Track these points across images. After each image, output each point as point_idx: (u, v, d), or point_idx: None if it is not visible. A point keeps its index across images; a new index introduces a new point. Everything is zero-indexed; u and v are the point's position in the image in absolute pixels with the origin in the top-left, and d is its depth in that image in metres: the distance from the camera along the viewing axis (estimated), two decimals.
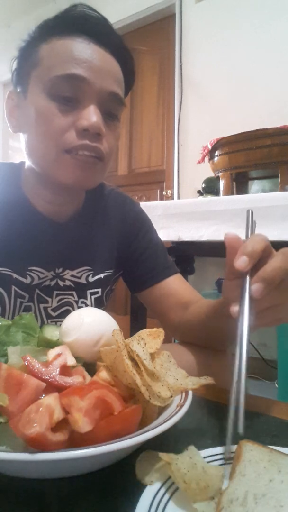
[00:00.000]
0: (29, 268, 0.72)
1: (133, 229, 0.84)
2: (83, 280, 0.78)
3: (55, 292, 0.76)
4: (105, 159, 0.66)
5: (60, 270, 0.75)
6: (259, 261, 0.43)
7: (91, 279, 0.78)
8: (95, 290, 0.80)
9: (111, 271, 0.82)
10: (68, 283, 0.76)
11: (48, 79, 0.62)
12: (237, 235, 0.46)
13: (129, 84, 0.71)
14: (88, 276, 0.78)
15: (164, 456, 0.32)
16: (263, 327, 0.58)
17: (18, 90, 0.68)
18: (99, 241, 0.80)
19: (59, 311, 0.76)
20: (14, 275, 0.71)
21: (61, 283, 0.76)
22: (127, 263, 0.84)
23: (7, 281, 0.71)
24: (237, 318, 0.42)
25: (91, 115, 0.61)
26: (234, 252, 0.44)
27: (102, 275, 0.80)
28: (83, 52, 0.62)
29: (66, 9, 0.65)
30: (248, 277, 0.43)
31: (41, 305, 0.75)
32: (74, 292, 0.77)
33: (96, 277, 0.79)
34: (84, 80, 0.61)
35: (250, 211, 0.53)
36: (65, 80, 0.61)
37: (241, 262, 0.42)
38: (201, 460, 0.33)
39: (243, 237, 0.48)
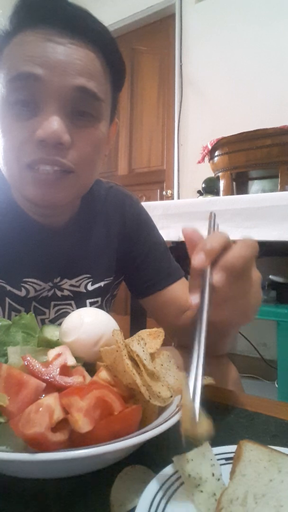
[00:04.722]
0: (24, 279, 0.68)
1: (134, 232, 0.79)
2: (82, 289, 0.74)
3: (52, 303, 0.72)
4: (76, 170, 0.58)
5: (58, 279, 0.71)
6: (219, 257, 0.43)
7: (90, 288, 0.74)
8: (95, 299, 0.76)
9: (111, 278, 0.78)
10: (66, 292, 0.72)
11: (4, 83, 0.56)
12: (195, 229, 0.45)
13: (118, 75, 0.63)
14: (87, 284, 0.74)
15: None
16: (232, 322, 0.54)
17: None
18: (98, 246, 0.75)
19: (57, 323, 0.72)
20: (8, 287, 0.67)
21: (58, 293, 0.72)
22: (129, 269, 0.79)
23: (1, 293, 0.67)
24: (197, 311, 0.41)
25: (49, 123, 0.53)
26: (193, 248, 0.43)
27: (102, 283, 0.76)
28: (38, 46, 0.54)
29: None
30: (208, 269, 0.42)
31: (38, 317, 0.71)
32: (72, 302, 0.73)
33: (96, 285, 0.75)
34: (38, 78, 0.53)
35: (212, 213, 0.52)
36: (17, 82, 0.54)
37: (199, 259, 0.42)
38: None
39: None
